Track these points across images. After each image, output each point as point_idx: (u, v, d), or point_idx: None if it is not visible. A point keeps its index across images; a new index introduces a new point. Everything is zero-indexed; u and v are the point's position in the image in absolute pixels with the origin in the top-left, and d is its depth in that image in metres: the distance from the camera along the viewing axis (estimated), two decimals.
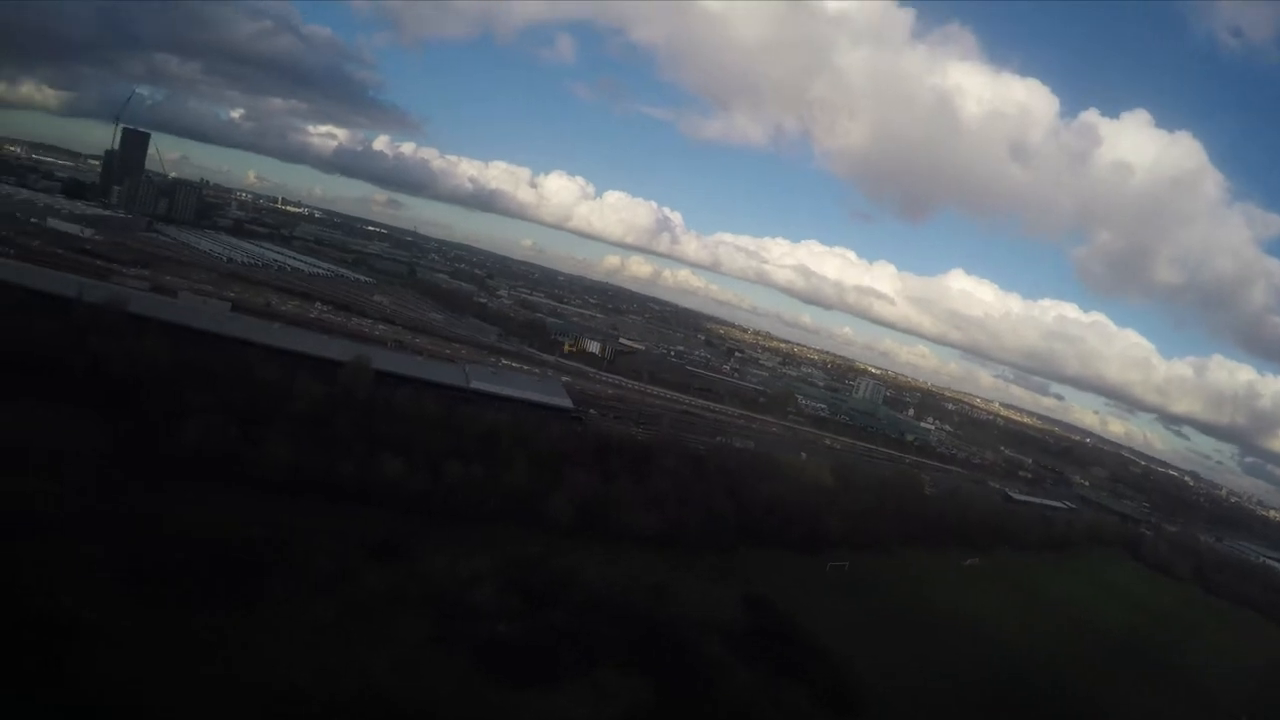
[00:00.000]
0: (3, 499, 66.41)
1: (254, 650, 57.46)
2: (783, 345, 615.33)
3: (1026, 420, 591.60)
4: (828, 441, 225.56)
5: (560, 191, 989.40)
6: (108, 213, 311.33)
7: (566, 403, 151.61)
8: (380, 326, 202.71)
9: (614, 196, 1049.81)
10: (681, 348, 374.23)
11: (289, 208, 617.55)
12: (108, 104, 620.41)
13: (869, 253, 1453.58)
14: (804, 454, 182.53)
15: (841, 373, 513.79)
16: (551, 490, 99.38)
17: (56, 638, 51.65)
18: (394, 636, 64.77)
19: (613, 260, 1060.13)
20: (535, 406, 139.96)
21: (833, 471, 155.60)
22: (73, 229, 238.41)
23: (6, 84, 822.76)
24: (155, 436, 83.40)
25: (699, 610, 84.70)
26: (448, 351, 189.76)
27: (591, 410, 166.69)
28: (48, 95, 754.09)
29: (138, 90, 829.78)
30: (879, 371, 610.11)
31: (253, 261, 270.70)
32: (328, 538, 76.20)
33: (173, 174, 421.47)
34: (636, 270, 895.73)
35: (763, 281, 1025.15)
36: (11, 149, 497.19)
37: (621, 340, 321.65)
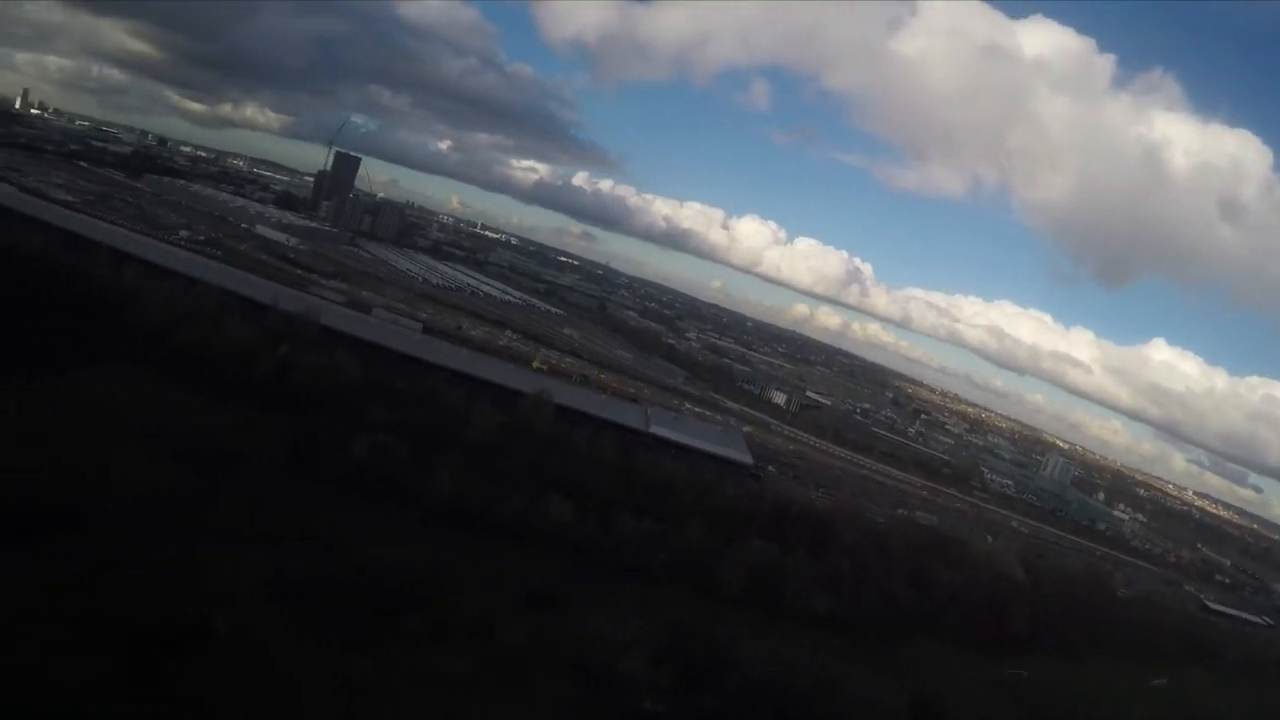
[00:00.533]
0: (176, 496, 70.56)
1: (379, 692, 56.74)
2: (970, 410, 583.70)
3: (1223, 514, 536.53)
4: (1014, 524, 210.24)
5: (752, 235, 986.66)
6: (314, 225, 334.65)
7: (747, 458, 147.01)
8: (567, 359, 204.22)
9: (805, 243, 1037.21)
10: (868, 405, 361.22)
11: (487, 233, 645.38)
12: (324, 129, 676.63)
13: (1066, 317, 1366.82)
14: (989, 537, 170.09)
15: (1029, 444, 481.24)
16: (722, 553, 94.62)
17: (187, 642, 52.88)
18: (531, 698, 62.08)
19: (801, 309, 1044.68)
20: (714, 458, 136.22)
21: (1020, 560, 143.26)
22: (279, 237, 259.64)
23: (234, 105, 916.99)
24: (327, 450, 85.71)
25: (863, 711, 77.20)
26: (631, 391, 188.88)
27: (771, 467, 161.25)
28: (270, 118, 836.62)
29: (353, 118, 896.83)
30: (1067, 445, 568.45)
31: (447, 284, 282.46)
32: (480, 578, 75.68)
33: (380, 194, 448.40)
34: (825, 320, 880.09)
35: (953, 340, 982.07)
36: (235, 162, 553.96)
37: (807, 393, 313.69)
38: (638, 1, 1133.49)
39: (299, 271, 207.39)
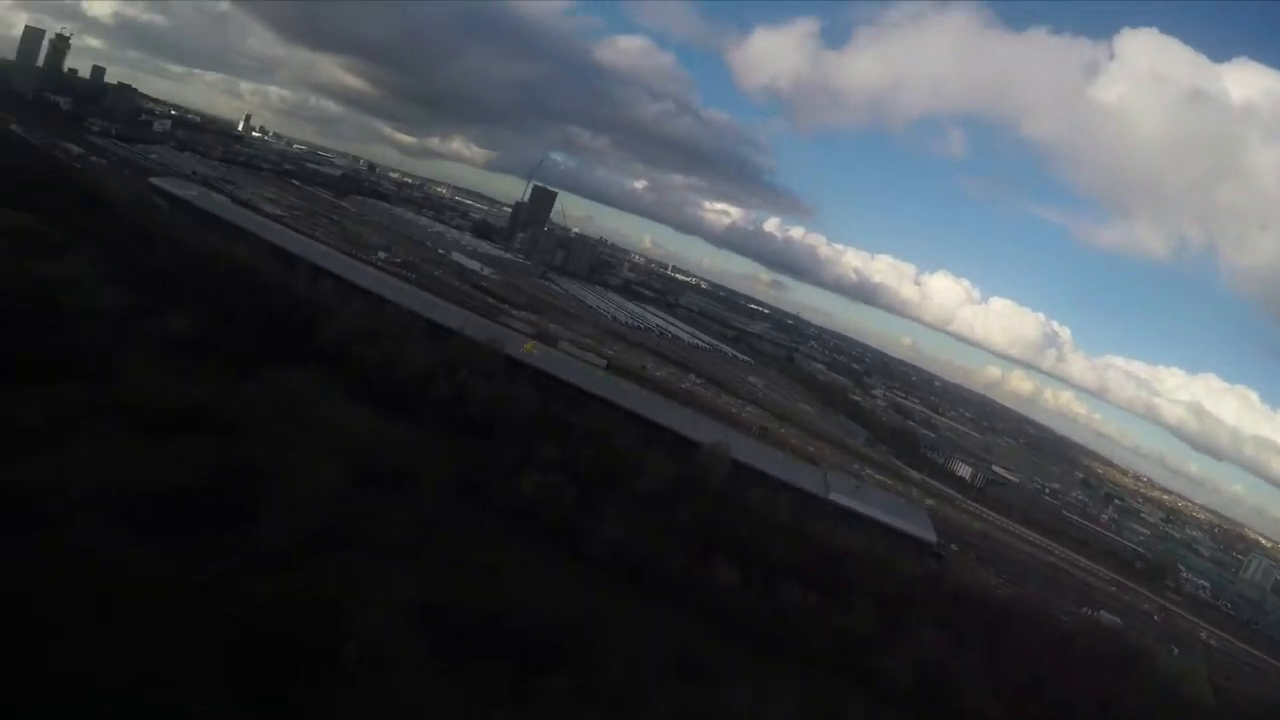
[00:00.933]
0: (343, 506, 73.95)
1: None
2: (1165, 497, 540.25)
3: None
4: (1203, 634, 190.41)
5: (944, 292, 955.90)
6: (508, 256, 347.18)
7: (929, 535, 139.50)
8: (749, 409, 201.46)
9: (999, 303, 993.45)
10: (1056, 485, 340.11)
11: (678, 275, 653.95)
12: (524, 164, 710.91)
13: (1275, 397, 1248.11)
14: (1175, 649, 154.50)
15: (1230, 539, 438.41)
16: (890, 641, 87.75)
17: (316, 660, 54.10)
18: None
19: (992, 371, 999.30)
20: (893, 533, 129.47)
21: (1210, 683, 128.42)
22: (473, 265, 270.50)
23: (441, 139, 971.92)
24: (496, 481, 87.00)
25: None
26: (811, 448, 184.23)
27: (953, 546, 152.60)
28: (474, 152, 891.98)
29: (552, 155, 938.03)
30: (1270, 544, 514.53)
31: (635, 323, 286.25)
32: (632, 637, 73.44)
33: (575, 230, 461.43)
34: (1016, 386, 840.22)
35: (1150, 416, 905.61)
36: (438, 190, 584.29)
37: (994, 467, 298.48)
38: (831, 48, 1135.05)
39: (490, 300, 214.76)
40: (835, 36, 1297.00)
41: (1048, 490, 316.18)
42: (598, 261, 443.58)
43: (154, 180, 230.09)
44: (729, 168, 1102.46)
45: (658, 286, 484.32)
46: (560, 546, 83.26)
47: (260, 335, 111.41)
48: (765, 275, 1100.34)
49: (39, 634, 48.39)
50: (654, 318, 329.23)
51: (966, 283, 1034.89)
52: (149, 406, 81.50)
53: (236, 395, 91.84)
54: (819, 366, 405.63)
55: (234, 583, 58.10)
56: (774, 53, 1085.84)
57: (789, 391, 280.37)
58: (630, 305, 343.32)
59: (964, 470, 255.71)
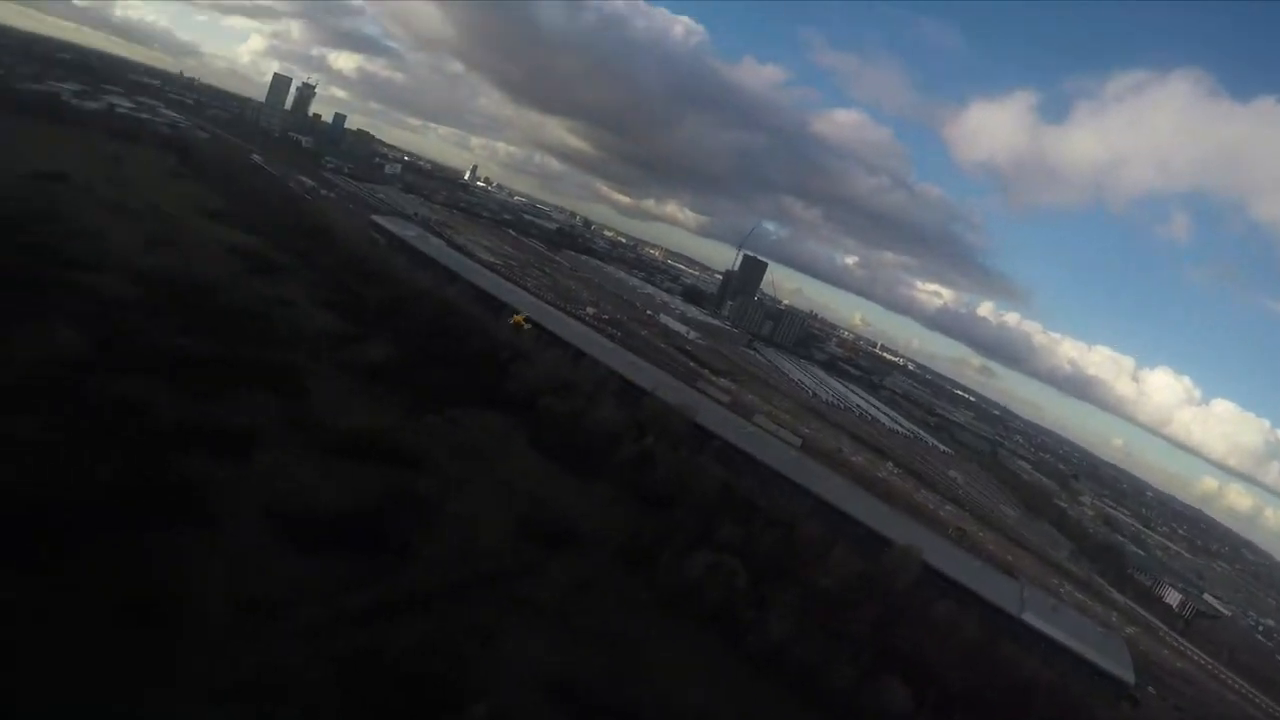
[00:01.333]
0: (505, 555, 71.68)
1: None
2: None
3: None
4: None
5: (1163, 390, 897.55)
6: (715, 322, 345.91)
7: (1127, 674, 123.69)
8: (946, 507, 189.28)
9: (1222, 406, 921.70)
10: (1271, 622, 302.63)
11: (885, 355, 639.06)
12: (737, 231, 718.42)
13: None
14: None
15: None
16: None
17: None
18: None
19: (1209, 483, 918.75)
20: (1087, 665, 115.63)
21: None
22: (679, 328, 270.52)
23: (656, 201, 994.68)
24: (665, 554, 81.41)
25: None
26: (1009, 556, 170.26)
27: (1150, 688, 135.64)
28: (688, 216, 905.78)
29: (764, 224, 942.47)
30: None
31: (836, 402, 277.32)
32: None
33: (784, 301, 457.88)
34: (1235, 501, 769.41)
35: None
36: (651, 251, 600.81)
37: (1206, 595, 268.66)
38: (1050, 122, 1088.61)
39: (691, 364, 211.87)
40: (1053, 110, 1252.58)
41: (1261, 629, 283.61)
42: (805, 335, 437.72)
43: (376, 218, 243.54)
44: (942, 246, 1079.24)
45: (864, 365, 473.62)
46: (721, 636, 77.07)
47: (456, 374, 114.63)
48: (974, 360, 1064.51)
49: (172, 627, 48.69)
50: (856, 397, 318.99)
51: (1188, 380, 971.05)
52: (336, 428, 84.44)
53: (422, 429, 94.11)
54: (1024, 465, 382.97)
55: (377, 614, 56.98)
56: (990, 126, 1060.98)
57: (990, 490, 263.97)
58: (833, 382, 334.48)
59: (1172, 597, 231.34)
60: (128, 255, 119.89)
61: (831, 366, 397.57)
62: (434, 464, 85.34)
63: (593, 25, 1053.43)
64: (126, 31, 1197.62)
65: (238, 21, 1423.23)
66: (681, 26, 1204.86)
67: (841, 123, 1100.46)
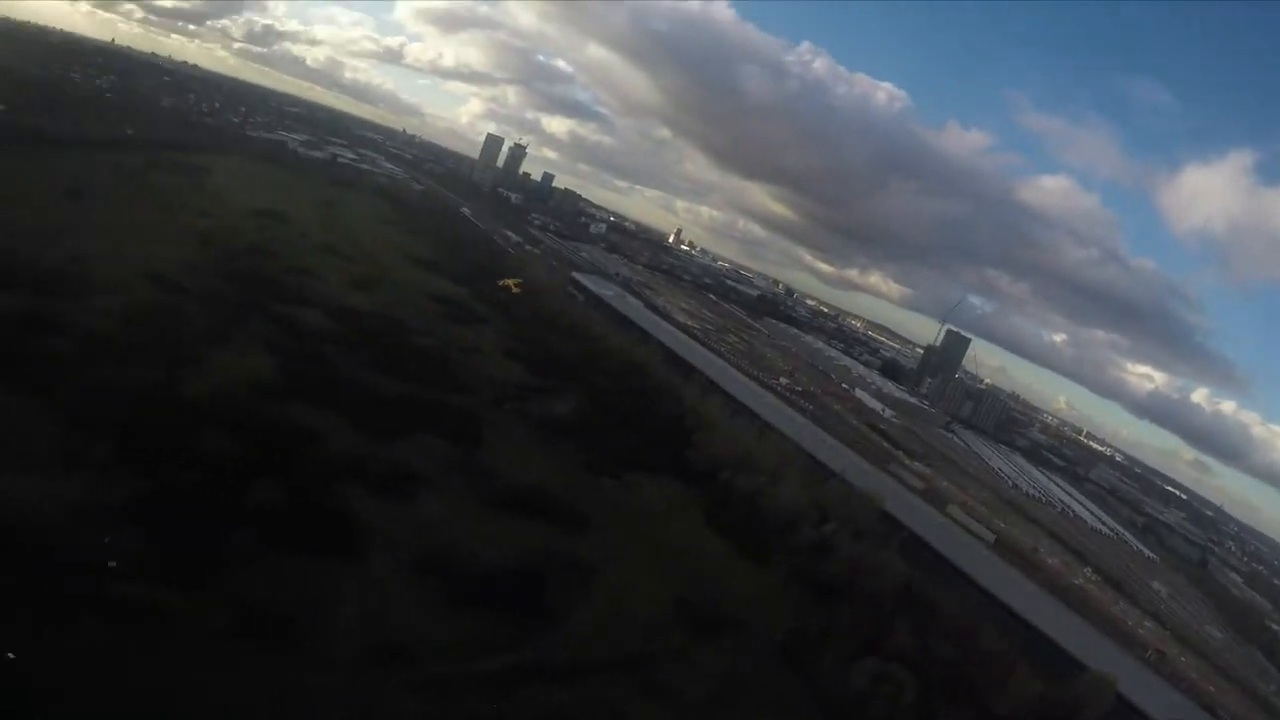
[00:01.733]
0: (657, 637, 66.67)
1: None
2: None
3: None
4: None
5: None
6: (913, 400, 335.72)
7: None
8: (1146, 624, 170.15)
9: None
10: None
11: (1091, 444, 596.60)
12: (940, 304, 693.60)
13: None
14: None
15: None
16: None
17: None
18: None
19: None
20: None
21: None
22: (875, 405, 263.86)
23: (859, 271, 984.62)
24: (828, 656, 73.43)
25: None
26: (1210, 688, 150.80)
27: None
28: (891, 287, 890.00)
29: (969, 298, 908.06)
30: None
31: (1036, 494, 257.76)
32: None
33: (986, 381, 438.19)
34: None
35: None
36: (852, 322, 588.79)
37: None
38: (1270, 185, 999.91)
39: (884, 445, 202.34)
40: (1274, 171, 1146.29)
41: None
42: (1006, 418, 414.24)
43: (576, 274, 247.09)
44: (1155, 325, 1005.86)
45: (1068, 454, 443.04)
46: None
47: (637, 437, 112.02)
48: (1187, 454, 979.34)
49: (293, 656, 47.30)
50: (1058, 490, 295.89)
51: None
52: (505, 480, 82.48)
53: (594, 490, 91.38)
54: (1235, 578, 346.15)
55: (510, 679, 53.32)
56: (1206, 191, 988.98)
57: (1195, 606, 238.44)
58: (1034, 471, 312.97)
59: None
60: (332, 293, 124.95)
61: (1034, 454, 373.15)
62: (600, 529, 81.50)
63: (795, 92, 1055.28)
64: (355, 92, 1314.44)
65: (457, 86, 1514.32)
66: (884, 92, 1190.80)
67: (1048, 189, 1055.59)
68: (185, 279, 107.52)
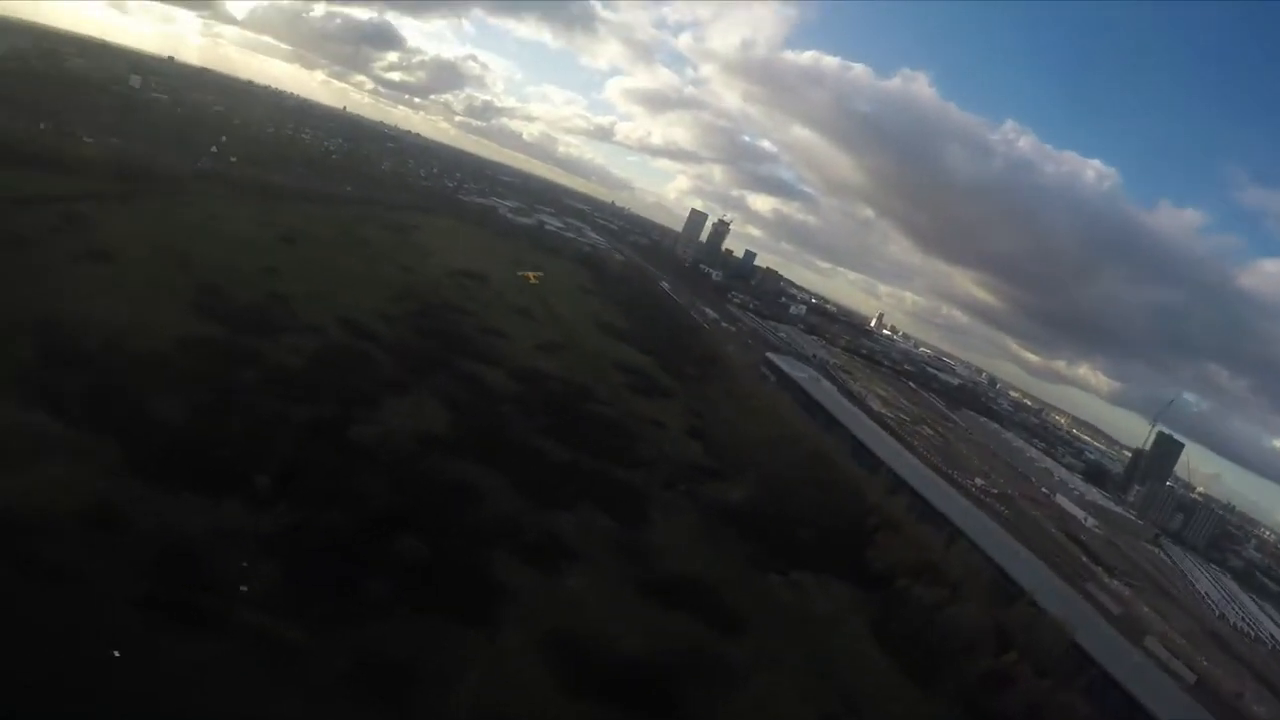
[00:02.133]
0: None
1: None
2: None
3: None
4: None
5: None
6: (1118, 509, 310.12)
7: None
8: None
9: None
10: None
11: None
12: (1151, 401, 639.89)
13: None
14: None
15: None
16: None
17: None
18: None
19: None
20: None
21: None
22: (1076, 513, 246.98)
23: (1067, 362, 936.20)
24: None
25: None
26: None
27: None
28: (1100, 381, 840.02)
29: (1184, 395, 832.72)
30: None
31: (1246, 626, 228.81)
32: None
33: (1199, 489, 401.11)
34: None
35: None
36: (1057, 418, 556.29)
37: None
38: None
39: (1082, 559, 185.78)
40: None
41: None
42: (1220, 533, 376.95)
43: (770, 355, 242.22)
44: None
45: None
46: None
47: (813, 532, 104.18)
48: None
49: (408, 716, 46.10)
50: (1271, 622, 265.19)
51: None
52: (662, 565, 78.36)
53: (757, 587, 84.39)
54: None
55: None
56: None
57: None
58: (1245, 598, 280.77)
59: None
60: (519, 354, 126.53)
61: (1247, 576, 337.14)
62: (755, 630, 74.69)
63: (1000, 171, 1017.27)
64: (568, 165, 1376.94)
65: (665, 164, 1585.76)
66: (1092, 170, 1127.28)
67: (1271, 274, 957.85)
68: (378, 327, 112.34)
